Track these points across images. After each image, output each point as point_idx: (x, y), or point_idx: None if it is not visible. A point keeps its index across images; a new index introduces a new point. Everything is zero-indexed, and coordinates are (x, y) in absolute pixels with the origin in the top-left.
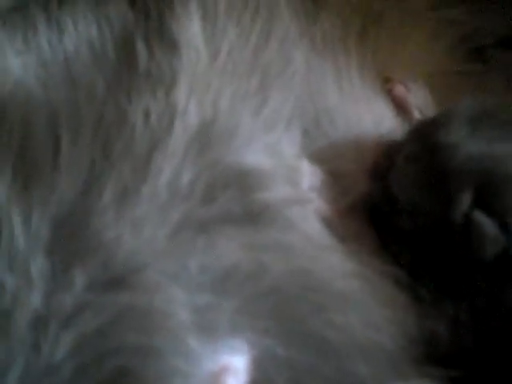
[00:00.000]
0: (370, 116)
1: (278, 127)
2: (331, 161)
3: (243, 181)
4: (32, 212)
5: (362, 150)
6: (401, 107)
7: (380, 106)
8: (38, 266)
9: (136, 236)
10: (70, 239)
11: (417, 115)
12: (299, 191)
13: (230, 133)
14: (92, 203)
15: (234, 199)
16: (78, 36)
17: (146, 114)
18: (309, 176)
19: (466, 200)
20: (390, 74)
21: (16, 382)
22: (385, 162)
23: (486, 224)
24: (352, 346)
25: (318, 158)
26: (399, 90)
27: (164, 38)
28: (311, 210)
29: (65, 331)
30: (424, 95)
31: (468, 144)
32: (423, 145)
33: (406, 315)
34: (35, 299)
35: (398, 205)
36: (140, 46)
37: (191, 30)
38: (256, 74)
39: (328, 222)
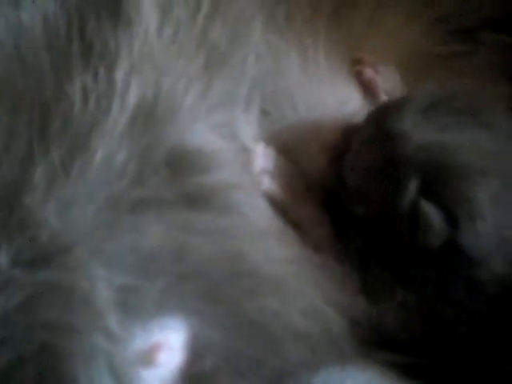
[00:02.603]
0: (335, 98)
1: (231, 107)
2: (290, 143)
3: (182, 162)
4: None
5: (323, 132)
6: (369, 90)
7: (346, 88)
8: None
9: (63, 215)
10: (0, 216)
11: (384, 99)
12: (247, 173)
13: (172, 113)
14: (24, 182)
15: (168, 181)
16: (34, 10)
17: (85, 94)
18: (262, 157)
19: (412, 188)
20: (361, 57)
21: None
22: (343, 144)
23: (431, 213)
24: (287, 331)
25: (277, 139)
26: (368, 72)
27: (113, 13)
28: (257, 193)
29: None
30: (393, 79)
31: (419, 132)
32: (376, 130)
33: (353, 301)
34: None
35: (348, 189)
36: (91, 22)
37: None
38: (202, 53)
39: (278, 205)
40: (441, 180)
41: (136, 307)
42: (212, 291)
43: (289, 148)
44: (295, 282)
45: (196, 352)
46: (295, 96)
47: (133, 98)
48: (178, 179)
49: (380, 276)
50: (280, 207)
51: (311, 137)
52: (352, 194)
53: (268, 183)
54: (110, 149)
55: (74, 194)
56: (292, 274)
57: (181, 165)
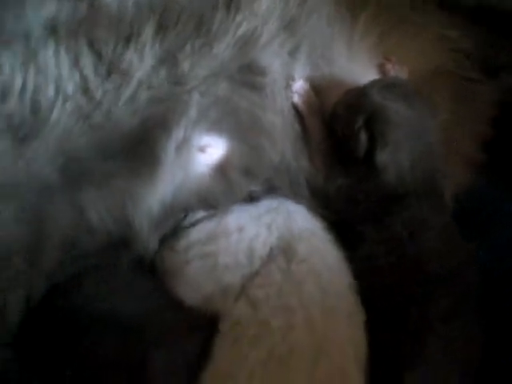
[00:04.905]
0: (359, 73)
1: (294, 55)
2: (321, 86)
3: (252, 67)
4: None
5: (342, 86)
6: (383, 76)
7: (368, 70)
8: None
9: (196, 66)
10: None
11: None
12: (286, 88)
13: (258, 44)
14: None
15: (241, 74)
16: None
17: (223, 18)
18: (300, 85)
19: (360, 122)
20: (389, 56)
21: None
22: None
23: (363, 136)
24: (266, 164)
25: (314, 81)
26: (388, 66)
27: None
28: (285, 98)
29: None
30: (401, 76)
31: (374, 96)
32: (359, 90)
33: (315, 169)
34: None
35: (335, 117)
36: None
37: None
38: (283, 19)
39: (299, 111)
40: (374, 122)
41: (203, 121)
42: (241, 126)
43: (318, 88)
44: (283, 140)
45: (227, 155)
46: (336, 63)
47: (240, 31)
48: (245, 73)
49: (336, 166)
50: (300, 113)
51: (334, 87)
52: (336, 119)
53: (297, 99)
54: (221, 47)
55: (202, 59)
56: (284, 136)
57: (251, 68)
